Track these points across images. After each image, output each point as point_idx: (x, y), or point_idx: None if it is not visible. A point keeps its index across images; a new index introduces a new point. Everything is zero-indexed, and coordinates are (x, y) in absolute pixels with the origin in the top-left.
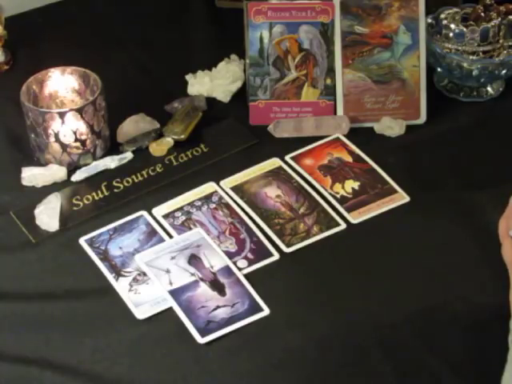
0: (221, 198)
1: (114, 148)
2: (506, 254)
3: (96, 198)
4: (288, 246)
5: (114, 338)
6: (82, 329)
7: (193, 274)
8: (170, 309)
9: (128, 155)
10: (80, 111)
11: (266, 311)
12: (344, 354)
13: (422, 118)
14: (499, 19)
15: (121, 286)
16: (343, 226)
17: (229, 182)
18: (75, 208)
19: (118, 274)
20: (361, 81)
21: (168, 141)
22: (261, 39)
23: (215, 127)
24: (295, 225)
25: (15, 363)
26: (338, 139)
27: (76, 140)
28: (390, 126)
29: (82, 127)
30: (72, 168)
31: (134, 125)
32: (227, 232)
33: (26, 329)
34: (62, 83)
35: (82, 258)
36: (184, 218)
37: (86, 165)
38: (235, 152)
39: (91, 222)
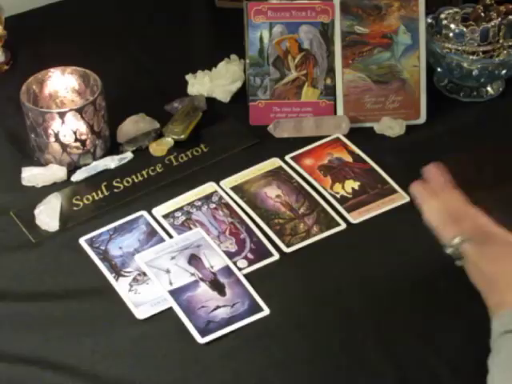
0: (221, 197)
1: (114, 148)
2: (431, 215)
3: (96, 198)
4: (288, 245)
5: (114, 338)
6: (82, 329)
7: (193, 274)
8: (170, 309)
9: (128, 155)
10: (80, 111)
11: (266, 311)
12: (344, 354)
13: (422, 118)
14: (499, 19)
15: (121, 285)
16: (343, 225)
17: (229, 182)
18: (75, 208)
19: (118, 273)
20: (361, 81)
21: (168, 141)
22: (261, 39)
23: (215, 127)
24: (295, 225)
25: (15, 363)
26: (338, 139)
27: (76, 140)
28: (390, 126)
29: (82, 127)
30: (72, 168)
31: (133, 125)
32: (227, 232)
33: (26, 329)
34: (62, 83)
35: (82, 258)
36: (184, 218)
37: (85, 165)
38: (235, 152)
39: (91, 222)
